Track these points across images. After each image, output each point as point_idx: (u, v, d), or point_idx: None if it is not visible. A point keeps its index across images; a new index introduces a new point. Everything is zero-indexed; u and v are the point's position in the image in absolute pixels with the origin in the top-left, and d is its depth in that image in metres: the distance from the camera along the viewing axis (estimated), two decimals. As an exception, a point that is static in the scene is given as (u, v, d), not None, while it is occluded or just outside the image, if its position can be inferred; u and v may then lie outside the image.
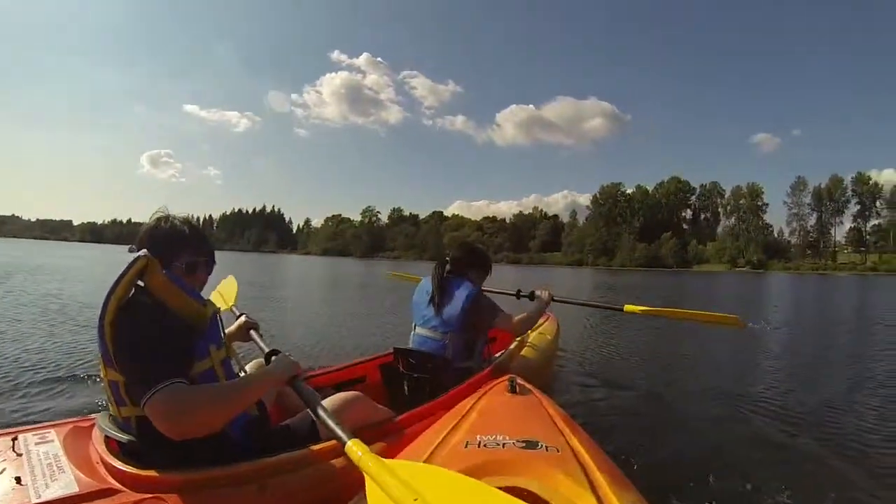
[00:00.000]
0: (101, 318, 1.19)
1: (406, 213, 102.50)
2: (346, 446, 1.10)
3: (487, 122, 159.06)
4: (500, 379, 1.86)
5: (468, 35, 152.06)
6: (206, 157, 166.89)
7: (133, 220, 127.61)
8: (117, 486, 1.18)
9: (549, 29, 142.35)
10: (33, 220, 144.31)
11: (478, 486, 0.91)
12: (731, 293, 20.32)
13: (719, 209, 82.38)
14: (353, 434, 1.13)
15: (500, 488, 0.87)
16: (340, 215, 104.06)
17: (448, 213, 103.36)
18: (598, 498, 1.01)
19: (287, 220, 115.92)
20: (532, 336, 3.22)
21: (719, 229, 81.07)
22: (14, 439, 1.35)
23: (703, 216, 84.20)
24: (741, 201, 77.94)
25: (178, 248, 1.37)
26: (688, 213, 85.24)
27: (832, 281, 39.15)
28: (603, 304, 3.37)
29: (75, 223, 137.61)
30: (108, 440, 1.31)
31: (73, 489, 1.14)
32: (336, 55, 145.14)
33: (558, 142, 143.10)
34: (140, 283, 1.26)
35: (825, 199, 74.21)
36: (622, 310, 2.92)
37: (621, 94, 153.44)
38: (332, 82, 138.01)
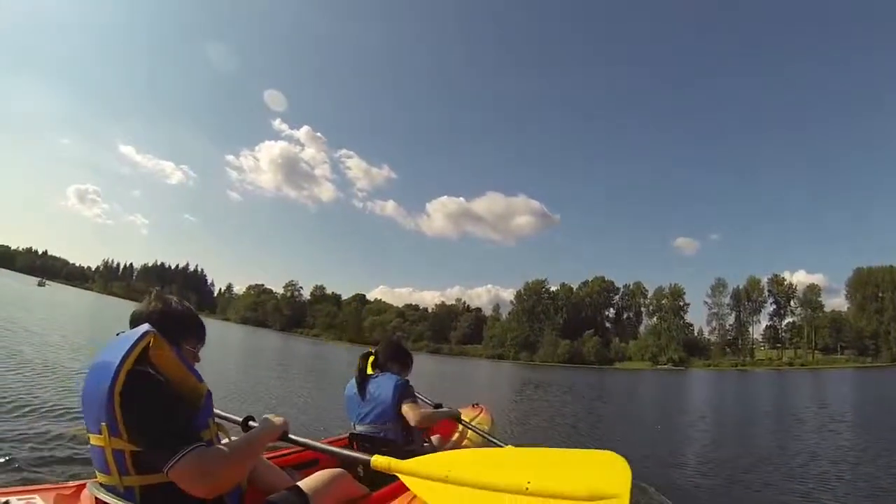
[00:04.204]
0: (111, 388, 1.24)
1: (329, 291, 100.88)
2: (373, 461, 1.54)
3: (418, 210, 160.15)
4: None
5: (409, 122, 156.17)
6: (136, 202, 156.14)
7: (49, 253, 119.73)
8: None
9: (487, 125, 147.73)
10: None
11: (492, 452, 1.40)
12: (656, 391, 20.68)
13: (642, 308, 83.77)
14: None
15: None
16: (263, 285, 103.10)
17: (371, 296, 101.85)
18: None
19: (209, 282, 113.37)
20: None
21: (641, 328, 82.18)
22: (6, 502, 1.34)
23: (625, 315, 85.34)
24: (663, 301, 79.60)
25: (190, 331, 1.53)
26: (611, 312, 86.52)
27: (752, 377, 41.16)
28: (494, 439, 3.47)
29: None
30: None
31: None
32: (278, 123, 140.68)
33: (486, 236, 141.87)
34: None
35: (743, 300, 77.01)
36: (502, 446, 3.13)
37: (551, 194, 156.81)
38: (270, 150, 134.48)
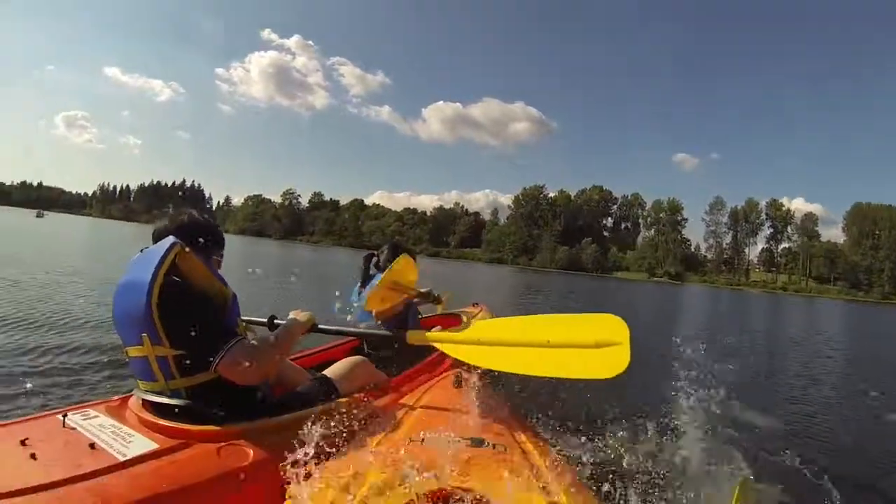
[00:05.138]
0: (147, 300, 1.29)
1: (326, 198, 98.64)
2: (409, 336, 1.77)
3: (413, 115, 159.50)
4: (446, 373, 1.99)
5: (402, 28, 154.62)
6: (126, 124, 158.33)
7: (44, 184, 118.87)
8: (191, 441, 1.27)
9: (482, 30, 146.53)
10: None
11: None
12: (656, 302, 20.33)
13: (640, 220, 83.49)
14: (360, 389, 1.74)
15: (441, 489, 0.96)
16: (261, 195, 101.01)
17: (369, 201, 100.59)
18: (546, 497, 0.99)
19: (207, 196, 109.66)
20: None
21: (639, 239, 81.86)
22: (64, 416, 1.36)
23: (623, 225, 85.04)
24: (661, 214, 79.23)
25: (213, 240, 1.59)
26: (608, 222, 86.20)
27: (747, 296, 41.07)
28: None
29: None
30: (157, 408, 1.38)
31: (154, 446, 1.22)
32: (267, 34, 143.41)
33: (483, 141, 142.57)
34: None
35: (741, 220, 76.92)
36: None
37: (549, 101, 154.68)
38: (260, 61, 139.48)
